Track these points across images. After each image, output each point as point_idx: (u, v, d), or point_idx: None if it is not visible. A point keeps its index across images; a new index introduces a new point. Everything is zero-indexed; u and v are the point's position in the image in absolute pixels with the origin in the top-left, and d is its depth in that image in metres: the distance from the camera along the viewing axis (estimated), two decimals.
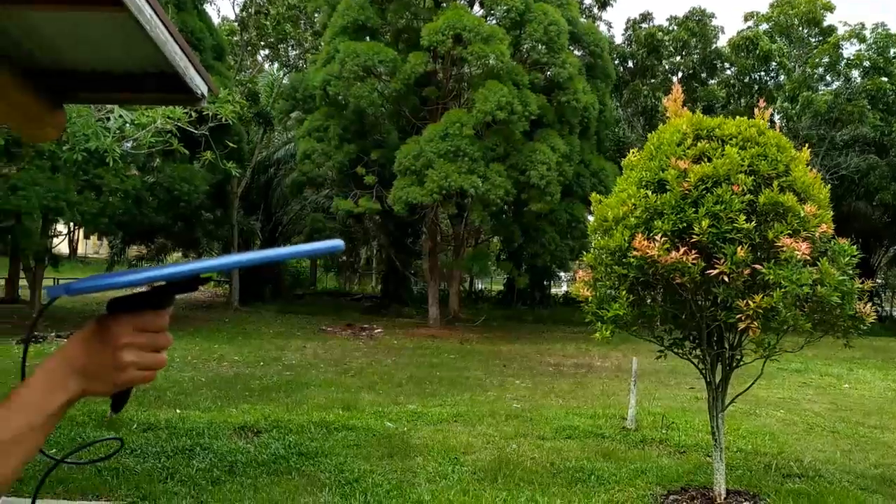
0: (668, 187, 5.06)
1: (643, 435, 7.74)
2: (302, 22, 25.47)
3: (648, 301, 5.32)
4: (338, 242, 0.97)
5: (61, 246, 39.56)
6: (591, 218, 21.55)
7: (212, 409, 8.76)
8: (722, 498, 5.52)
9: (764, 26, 30.87)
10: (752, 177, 4.98)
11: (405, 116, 20.99)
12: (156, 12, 4.02)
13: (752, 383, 6.00)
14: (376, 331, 19.57)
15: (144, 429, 7.17)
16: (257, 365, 13.04)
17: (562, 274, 36.69)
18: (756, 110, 5.57)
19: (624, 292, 5.03)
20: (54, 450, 0.88)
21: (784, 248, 4.66)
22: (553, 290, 33.74)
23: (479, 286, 38.02)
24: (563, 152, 19.29)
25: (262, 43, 25.73)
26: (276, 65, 28.34)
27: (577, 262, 29.16)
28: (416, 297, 27.40)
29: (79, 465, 5.49)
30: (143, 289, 0.94)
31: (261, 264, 0.94)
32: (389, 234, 25.03)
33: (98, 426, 7.08)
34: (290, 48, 27.20)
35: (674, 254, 4.73)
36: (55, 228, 23.58)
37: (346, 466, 6.25)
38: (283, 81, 25.41)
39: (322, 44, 22.26)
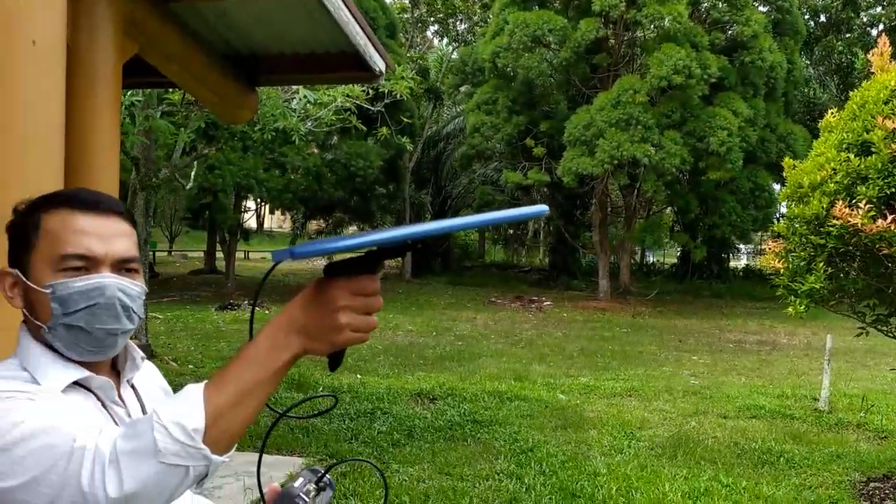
0: (873, 150, 4.59)
1: (838, 418, 7.19)
2: None
3: (848, 274, 4.89)
4: (543, 207, 0.96)
5: (250, 221, 42.68)
6: (776, 186, 20.08)
7: (389, 375, 9.14)
8: None
9: None
10: None
11: (575, 85, 20.57)
12: None
13: None
14: (545, 303, 19.52)
15: (329, 392, 7.60)
16: (430, 335, 13.44)
17: (741, 246, 34.68)
18: None
19: (821, 264, 4.65)
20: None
21: None
22: (732, 264, 31.97)
23: (651, 259, 36.83)
24: (746, 116, 18.12)
25: (432, 19, 26.14)
26: (445, 40, 28.74)
27: (761, 233, 27.42)
28: (585, 270, 26.99)
29: (298, 419, 5.90)
30: (357, 254, 0.96)
31: (470, 229, 0.93)
32: (558, 205, 24.76)
33: (288, 387, 7.60)
34: (458, 22, 27.45)
35: (880, 222, 4.31)
36: (245, 204, 25.44)
37: (520, 436, 6.30)
38: (453, 56, 25.72)
39: (491, 16, 22.25)
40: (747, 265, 34.07)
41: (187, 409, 0.95)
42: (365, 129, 10.85)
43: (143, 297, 1.21)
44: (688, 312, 18.82)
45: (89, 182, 4.26)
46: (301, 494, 1.15)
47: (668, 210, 25.46)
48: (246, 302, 17.32)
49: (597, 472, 5.36)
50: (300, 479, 1.20)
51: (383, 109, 9.40)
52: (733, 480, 5.26)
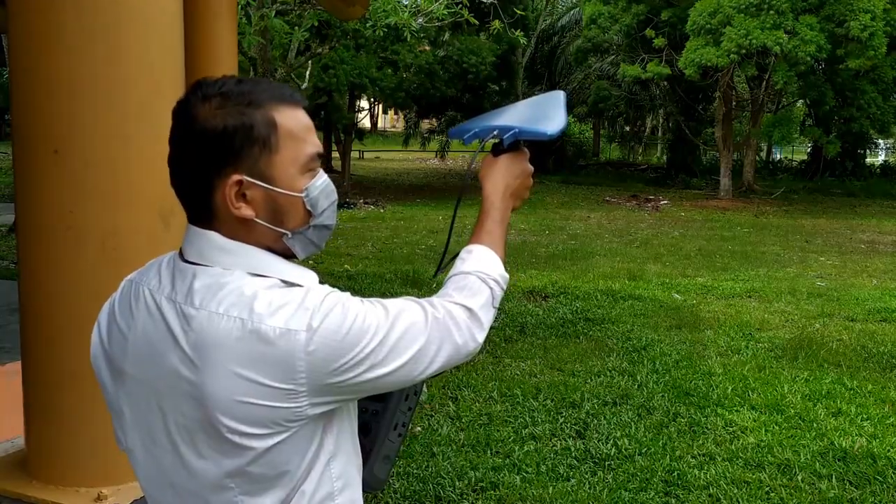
0: None
1: None
2: None
3: None
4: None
5: (364, 120, 43.12)
6: None
7: None
8: None
9: None
10: None
11: None
12: None
13: None
14: (662, 202, 18.98)
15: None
16: (543, 233, 13.40)
17: (880, 141, 32.25)
18: None
19: None
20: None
21: None
22: (868, 160, 29.78)
23: (778, 156, 34.79)
24: None
25: None
26: None
27: None
28: (705, 168, 25.90)
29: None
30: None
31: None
32: (678, 100, 23.63)
33: (403, 283, 7.81)
34: None
35: None
36: (359, 104, 25.64)
37: (632, 334, 6.27)
38: None
39: None
40: (885, 161, 31.78)
41: (495, 264, 1.26)
42: (477, 23, 10.55)
43: None
44: (816, 212, 17.85)
45: None
46: None
47: (800, 103, 23.84)
48: (362, 200, 17.78)
49: (712, 372, 5.30)
50: None
51: (496, 1, 9.11)
52: (858, 384, 5.08)
